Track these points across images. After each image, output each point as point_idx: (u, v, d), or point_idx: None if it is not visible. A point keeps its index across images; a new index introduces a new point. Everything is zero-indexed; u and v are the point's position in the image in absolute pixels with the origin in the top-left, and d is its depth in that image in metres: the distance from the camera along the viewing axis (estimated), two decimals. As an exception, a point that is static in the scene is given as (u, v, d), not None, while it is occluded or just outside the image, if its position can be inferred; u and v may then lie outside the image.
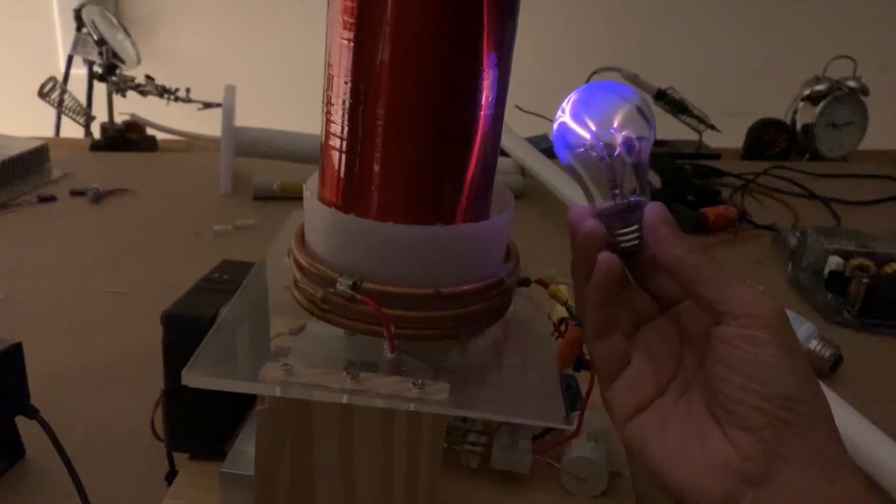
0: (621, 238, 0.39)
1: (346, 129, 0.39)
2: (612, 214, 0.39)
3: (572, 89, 0.40)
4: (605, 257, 0.38)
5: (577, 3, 2.00)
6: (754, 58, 2.01)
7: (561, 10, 1.96)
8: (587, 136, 0.40)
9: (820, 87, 1.44)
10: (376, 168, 0.39)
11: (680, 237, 0.37)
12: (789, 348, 0.35)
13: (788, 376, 0.34)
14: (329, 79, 0.40)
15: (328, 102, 0.40)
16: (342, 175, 0.40)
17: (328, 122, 0.40)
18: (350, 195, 0.40)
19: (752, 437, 0.35)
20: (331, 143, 0.40)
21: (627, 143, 0.39)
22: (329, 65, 0.39)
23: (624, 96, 0.40)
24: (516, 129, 1.25)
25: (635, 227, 0.39)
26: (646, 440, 0.38)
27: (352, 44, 0.38)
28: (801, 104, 1.47)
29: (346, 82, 0.38)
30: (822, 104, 1.43)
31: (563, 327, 0.55)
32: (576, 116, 0.40)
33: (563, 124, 0.40)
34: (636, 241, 0.39)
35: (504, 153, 1.21)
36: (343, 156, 0.40)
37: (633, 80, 1.40)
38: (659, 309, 0.41)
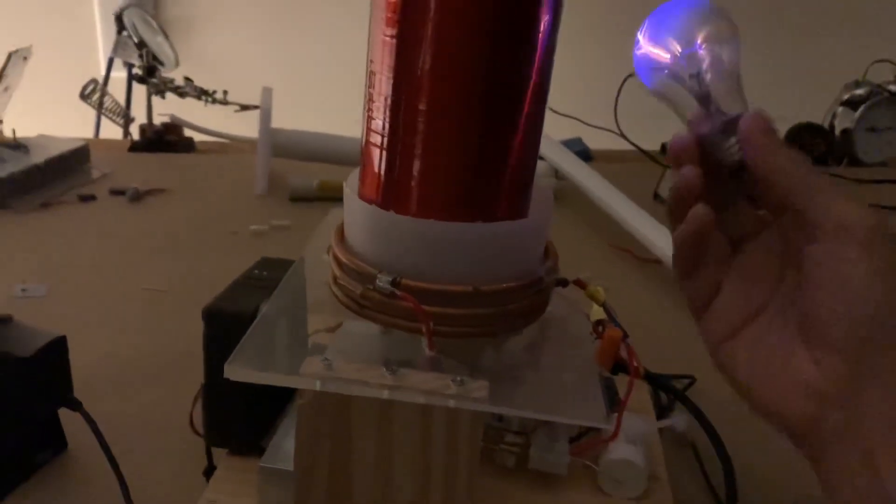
0: (723, 156, 0.37)
1: (387, 126, 0.39)
2: (712, 134, 0.38)
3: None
4: (697, 213, 0.37)
5: (612, 5, 1.99)
6: (792, 62, 1.99)
7: (595, 12, 1.96)
8: (668, 57, 0.38)
9: (860, 91, 1.42)
10: (417, 165, 0.39)
11: (778, 145, 0.36)
12: (882, 265, 0.33)
13: (878, 295, 0.33)
14: (371, 76, 0.40)
15: (370, 100, 0.40)
16: (382, 172, 0.40)
17: (369, 119, 0.40)
18: (390, 192, 0.41)
19: (837, 358, 0.34)
20: (372, 140, 0.40)
21: (713, 55, 0.38)
22: (371, 61, 0.40)
23: (697, 5, 0.38)
24: (550, 132, 1.24)
25: (735, 141, 0.37)
26: (735, 364, 0.37)
27: (394, 40, 0.38)
28: (840, 108, 1.45)
29: (388, 79, 0.39)
30: (861, 108, 1.40)
31: (600, 328, 0.54)
32: (654, 39, 0.39)
33: (643, 53, 0.39)
34: (738, 157, 0.37)
35: (538, 156, 1.20)
36: (384, 153, 0.40)
37: (669, 83, 1.39)
38: (764, 221, 0.39)
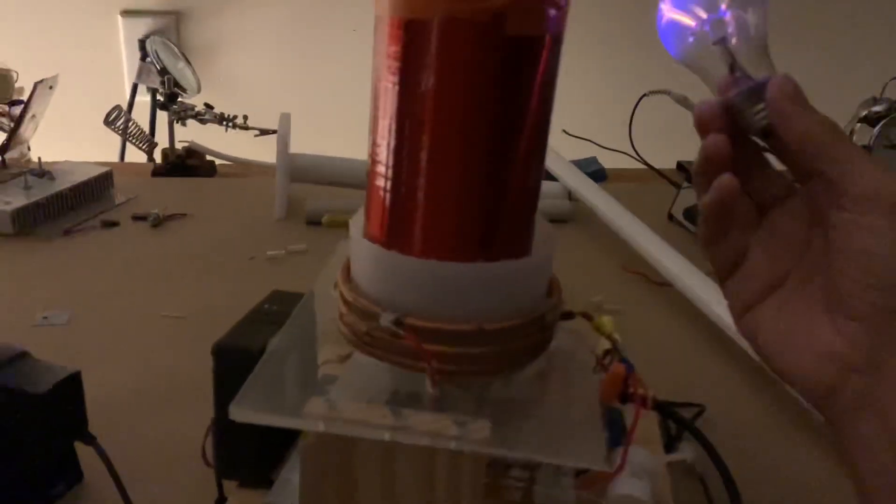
0: (750, 122, 0.37)
1: (390, 168, 0.40)
2: (739, 100, 0.37)
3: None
4: (723, 182, 0.37)
5: (624, 26, 1.99)
6: (808, 79, 1.97)
7: (608, 33, 1.96)
8: (693, 23, 0.38)
9: (878, 108, 1.40)
10: (420, 206, 0.40)
11: (807, 111, 0.36)
12: None
13: None
14: (374, 120, 0.41)
15: (374, 143, 0.41)
16: (386, 212, 0.41)
17: (374, 161, 0.41)
18: (394, 232, 0.41)
19: (859, 327, 0.34)
20: (376, 181, 0.41)
21: (739, 20, 0.38)
22: (375, 107, 0.41)
23: None
24: (563, 153, 1.25)
25: (762, 107, 0.37)
26: (759, 330, 0.38)
27: (397, 87, 0.39)
28: (858, 125, 1.43)
29: (390, 124, 0.40)
30: (879, 125, 1.39)
31: (606, 360, 0.54)
32: (678, 5, 0.39)
33: (668, 20, 0.39)
34: (764, 123, 0.37)
35: (551, 177, 1.21)
36: (387, 194, 0.41)
37: (683, 102, 1.39)
38: (793, 187, 0.39)
